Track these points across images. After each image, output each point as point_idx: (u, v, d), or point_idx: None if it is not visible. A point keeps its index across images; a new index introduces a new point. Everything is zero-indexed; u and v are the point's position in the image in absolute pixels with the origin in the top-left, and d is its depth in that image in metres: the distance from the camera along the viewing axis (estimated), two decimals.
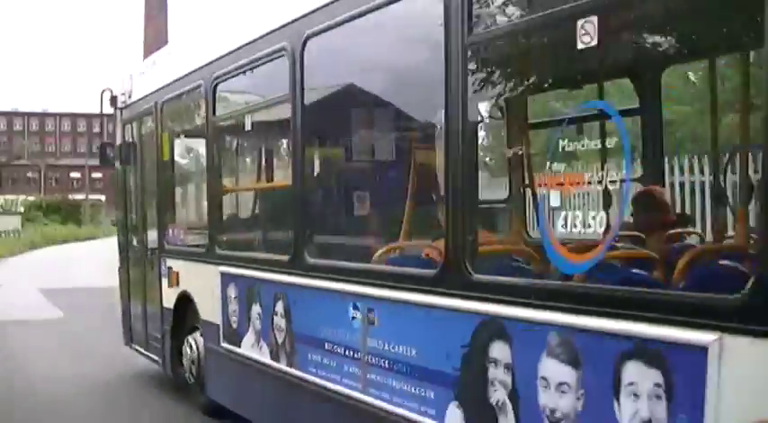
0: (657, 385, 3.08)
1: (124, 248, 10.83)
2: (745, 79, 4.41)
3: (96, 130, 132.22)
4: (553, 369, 3.59)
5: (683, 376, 3.00)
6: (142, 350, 10.03)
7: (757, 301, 2.78)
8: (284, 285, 6.16)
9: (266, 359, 6.46)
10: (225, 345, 7.28)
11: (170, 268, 8.79)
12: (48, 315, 16.62)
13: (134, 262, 10.37)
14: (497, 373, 3.96)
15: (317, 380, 5.65)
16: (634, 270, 3.94)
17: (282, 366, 6.19)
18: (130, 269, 10.52)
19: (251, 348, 6.75)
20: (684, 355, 2.98)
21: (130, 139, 10.32)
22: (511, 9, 4.32)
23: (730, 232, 4.80)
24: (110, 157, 10.91)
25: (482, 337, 4.05)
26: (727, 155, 5.19)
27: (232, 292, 7.15)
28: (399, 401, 4.74)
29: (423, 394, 4.54)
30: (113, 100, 10.75)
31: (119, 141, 10.74)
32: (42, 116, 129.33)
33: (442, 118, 4.42)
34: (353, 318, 5.18)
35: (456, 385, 4.29)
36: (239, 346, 6.96)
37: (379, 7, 5.01)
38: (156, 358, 9.48)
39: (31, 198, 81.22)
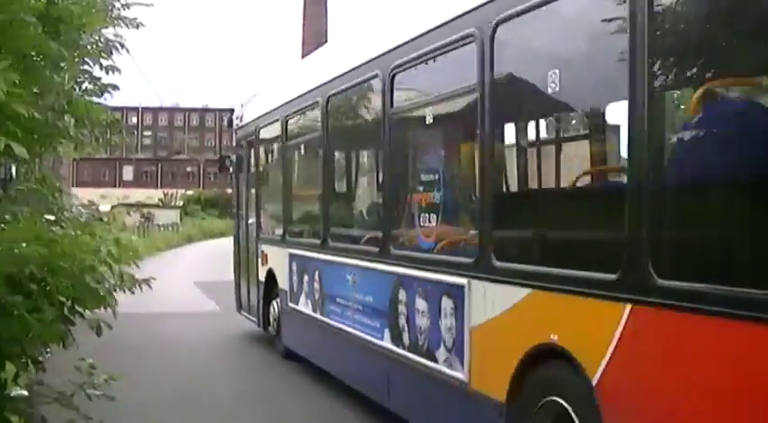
0: (452, 304, 5.80)
1: (237, 238, 13.81)
2: None
3: None
4: (420, 303, 6.36)
5: (459, 298, 5.70)
6: (247, 314, 12.99)
7: (480, 261, 5.41)
8: (317, 261, 9.00)
9: (309, 311, 9.29)
10: (290, 304, 10.06)
11: (262, 251, 11.73)
12: (202, 308, 17.14)
13: (242, 248, 13.36)
14: (400, 307, 6.73)
15: (336, 324, 8.37)
16: (444, 248, 6.41)
17: (317, 315, 9.00)
18: (240, 253, 13.55)
19: (303, 305, 9.54)
20: (459, 289, 5.69)
21: (241, 154, 13.42)
22: None
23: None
24: (227, 166, 14.68)
25: (394, 287, 6.86)
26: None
27: (294, 266, 9.90)
28: (366, 330, 7.52)
29: (375, 324, 7.30)
30: (230, 121, 14.18)
31: (235, 155, 13.99)
32: (203, 111, 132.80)
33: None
34: (347, 280, 8.02)
35: (387, 316, 7.00)
36: (297, 305, 9.77)
37: None
38: (254, 320, 12.35)
39: (190, 192, 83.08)
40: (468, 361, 5.56)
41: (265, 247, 11.62)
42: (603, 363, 4.17)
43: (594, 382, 4.22)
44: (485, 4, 5.40)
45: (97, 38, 4.47)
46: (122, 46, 4.77)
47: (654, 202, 3.92)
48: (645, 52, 3.93)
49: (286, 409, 8.27)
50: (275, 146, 11.41)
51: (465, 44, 5.63)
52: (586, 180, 5.17)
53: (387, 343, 6.97)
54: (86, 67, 4.59)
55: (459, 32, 5.70)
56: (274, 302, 11.15)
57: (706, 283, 3.52)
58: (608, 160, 5.12)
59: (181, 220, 61.69)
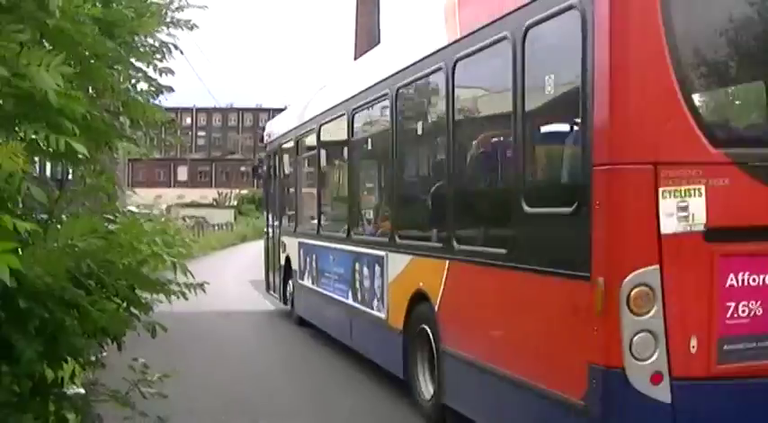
0: (379, 269, 8.90)
1: (266, 232, 17.03)
2: None
3: None
4: (365, 270, 9.36)
5: (381, 264, 8.72)
6: (272, 293, 16.21)
7: (390, 240, 8.48)
8: (314, 246, 12.15)
9: (310, 284, 12.36)
10: (298, 281, 13.25)
11: (282, 241, 14.85)
12: (256, 307, 17.35)
13: (269, 240, 16.46)
14: (356, 274, 9.71)
15: (324, 291, 11.38)
16: (375, 233, 9.69)
17: (314, 287, 12.02)
18: (268, 244, 16.62)
19: (306, 280, 12.63)
20: (381, 258, 8.74)
21: (269, 164, 16.55)
22: None
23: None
24: (259, 174, 18.22)
25: (353, 261, 9.82)
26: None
27: (301, 252, 12.99)
28: (339, 293, 10.52)
29: (343, 288, 10.32)
30: (262, 138, 17.65)
31: (264, 165, 17.43)
32: (256, 111, 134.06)
33: None
34: (330, 258, 11.12)
35: (349, 282, 9.96)
36: (303, 281, 12.88)
37: None
38: (277, 296, 15.57)
39: (244, 192, 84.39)
40: (387, 306, 8.59)
41: (284, 238, 14.72)
42: (439, 297, 7.08)
43: (436, 309, 7.15)
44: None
45: (151, 41, 4.51)
46: (176, 47, 4.81)
47: (455, 203, 6.91)
48: (451, 126, 6.99)
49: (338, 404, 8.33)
50: (290, 159, 14.48)
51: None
52: (430, 190, 7.65)
53: (350, 300, 10.01)
54: (141, 66, 4.63)
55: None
56: (290, 281, 14.14)
57: (474, 247, 6.57)
58: (439, 179, 7.41)
59: (235, 219, 62.39)
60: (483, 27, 6.19)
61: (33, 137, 3.25)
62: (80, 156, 3.66)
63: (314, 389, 9.15)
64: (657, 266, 4.48)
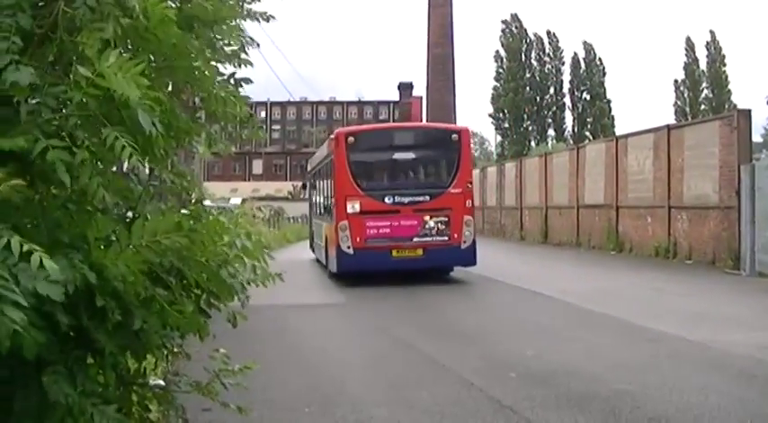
0: (327, 231, 22.62)
1: (309, 218, 32.97)
2: None
3: (383, 116, 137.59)
4: (324, 232, 23.58)
5: (321, 226, 24.73)
6: (313, 253, 28.69)
7: (324, 217, 25.39)
8: (315, 222, 28.45)
9: (316, 240, 27.41)
10: (314, 240, 28.43)
11: (315, 221, 28.27)
12: (329, 299, 17.53)
13: (311, 223, 31.25)
14: (322, 231, 24.40)
15: (317, 241, 26.66)
16: (325, 214, 25.31)
17: (316, 241, 26.83)
18: (311, 224, 31.72)
19: (315, 239, 27.81)
20: (321, 225, 25.10)
21: (309, 182, 32.45)
22: None
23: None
24: (305, 186, 34.83)
25: (320, 226, 25.28)
26: None
27: (314, 226, 29.02)
28: (318, 240, 25.94)
29: (322, 243, 24.27)
30: (305, 167, 41.82)
31: (307, 182, 34.69)
32: (330, 104, 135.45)
33: None
34: (318, 226, 26.53)
35: (324, 239, 23.39)
36: (314, 239, 28.32)
37: None
38: (317, 256, 27.18)
39: (317, 160, 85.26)
40: (323, 241, 23.53)
41: (314, 220, 29.01)
42: (326, 234, 22.80)
43: (326, 238, 22.87)
44: None
45: (230, 33, 4.55)
46: (253, 40, 4.85)
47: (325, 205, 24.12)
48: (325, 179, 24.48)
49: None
50: (311, 181, 31.08)
51: None
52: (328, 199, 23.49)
53: (321, 242, 24.45)
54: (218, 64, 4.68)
55: None
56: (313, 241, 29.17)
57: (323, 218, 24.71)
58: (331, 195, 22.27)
59: None
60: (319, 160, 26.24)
61: (114, 142, 3.32)
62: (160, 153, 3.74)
63: (391, 382, 9.15)
64: (347, 221, 19.67)
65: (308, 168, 32.61)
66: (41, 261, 2.96)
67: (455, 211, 19.86)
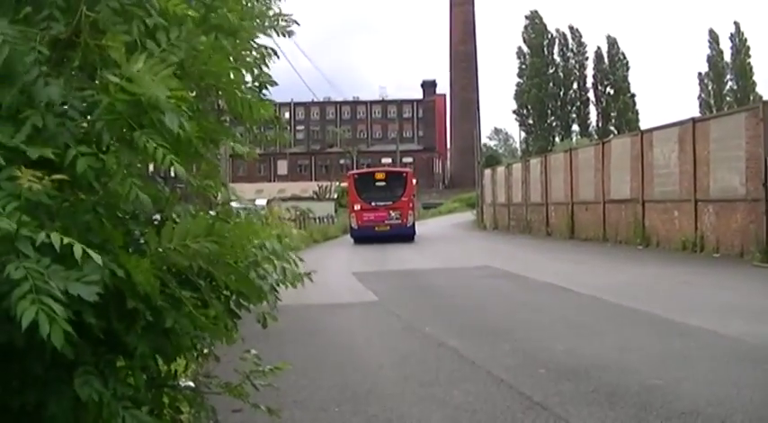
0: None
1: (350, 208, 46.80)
2: None
3: (407, 115, 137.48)
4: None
5: (351, 218, 45.43)
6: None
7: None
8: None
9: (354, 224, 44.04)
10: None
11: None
12: (360, 298, 17.32)
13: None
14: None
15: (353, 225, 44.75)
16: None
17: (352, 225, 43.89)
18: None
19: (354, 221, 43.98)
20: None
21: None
22: None
23: None
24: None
25: None
26: None
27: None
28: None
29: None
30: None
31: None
32: (354, 104, 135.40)
33: None
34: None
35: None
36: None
37: None
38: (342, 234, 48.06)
39: (344, 184, 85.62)
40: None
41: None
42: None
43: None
44: None
45: (253, 45, 4.56)
46: (275, 52, 4.85)
47: None
48: None
49: None
50: (342, 193, 61.78)
51: None
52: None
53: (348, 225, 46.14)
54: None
55: None
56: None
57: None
58: None
59: (336, 211, 63.12)
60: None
61: (145, 146, 3.34)
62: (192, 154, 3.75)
63: (421, 378, 9.14)
64: (354, 213, 42.69)
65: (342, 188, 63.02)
66: (84, 252, 2.96)
67: (404, 209, 41.95)
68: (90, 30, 3.51)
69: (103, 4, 3.49)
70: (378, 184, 42.68)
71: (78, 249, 2.93)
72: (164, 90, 3.24)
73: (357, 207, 41.52)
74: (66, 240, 2.93)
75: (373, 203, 41.11)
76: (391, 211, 41.18)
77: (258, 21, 4.63)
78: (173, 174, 4.22)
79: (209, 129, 4.11)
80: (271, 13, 4.85)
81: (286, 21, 4.81)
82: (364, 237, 39.94)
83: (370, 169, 55.51)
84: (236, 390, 4.90)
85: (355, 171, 51.69)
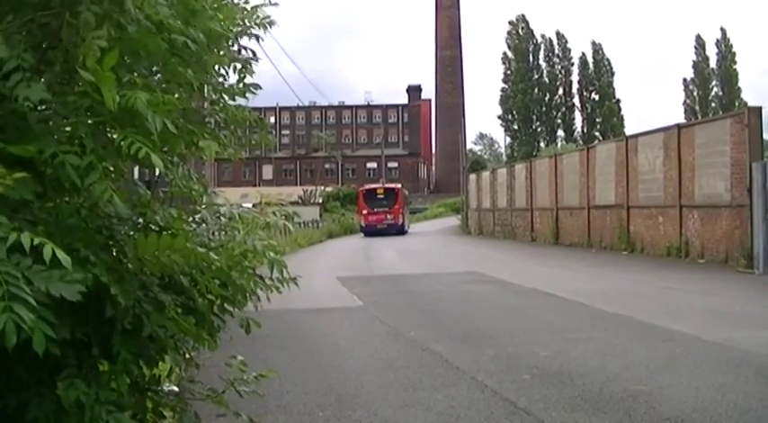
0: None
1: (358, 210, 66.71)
2: None
3: (392, 120, 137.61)
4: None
5: (360, 218, 65.82)
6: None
7: None
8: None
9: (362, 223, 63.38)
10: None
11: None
12: (345, 303, 17.27)
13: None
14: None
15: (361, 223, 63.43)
16: None
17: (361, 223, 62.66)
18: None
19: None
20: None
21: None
22: None
23: None
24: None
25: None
26: None
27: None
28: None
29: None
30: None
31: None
32: (339, 108, 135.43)
33: None
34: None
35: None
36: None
37: None
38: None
39: (329, 189, 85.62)
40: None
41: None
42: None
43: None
44: None
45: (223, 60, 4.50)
46: (254, 55, 4.81)
47: None
48: None
49: None
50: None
51: None
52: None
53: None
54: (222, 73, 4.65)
55: None
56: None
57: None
58: None
59: (321, 216, 64.47)
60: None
61: (126, 142, 3.30)
62: (170, 159, 3.72)
63: (406, 383, 9.12)
64: (361, 216, 61.53)
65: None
66: (54, 253, 2.87)
67: (396, 213, 60.37)
68: (70, 32, 3.48)
69: (84, 7, 3.45)
70: (378, 196, 61.81)
71: (48, 250, 2.86)
72: (142, 94, 3.21)
73: (365, 211, 60.54)
74: (36, 241, 2.87)
75: (375, 209, 60.16)
76: (388, 215, 59.93)
77: (239, 18, 4.59)
78: (156, 178, 4.19)
79: (191, 128, 4.07)
80: (249, 6, 4.80)
81: (263, 14, 4.76)
82: (370, 231, 57.84)
83: (373, 186, 70.59)
84: (219, 398, 4.87)
85: (363, 188, 67.16)
